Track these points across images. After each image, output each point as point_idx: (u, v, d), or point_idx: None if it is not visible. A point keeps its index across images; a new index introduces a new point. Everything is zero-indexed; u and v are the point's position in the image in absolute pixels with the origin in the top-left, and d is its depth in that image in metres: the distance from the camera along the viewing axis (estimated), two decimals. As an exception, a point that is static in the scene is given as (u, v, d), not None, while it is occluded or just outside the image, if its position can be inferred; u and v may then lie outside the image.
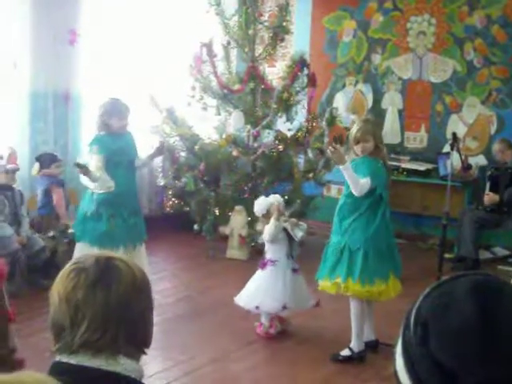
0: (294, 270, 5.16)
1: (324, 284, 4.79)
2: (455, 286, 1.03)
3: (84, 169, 5.20)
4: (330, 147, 4.62)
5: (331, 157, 4.84)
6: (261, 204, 5.29)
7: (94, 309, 1.52)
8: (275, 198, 5.26)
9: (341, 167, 4.56)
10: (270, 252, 5.20)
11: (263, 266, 5.17)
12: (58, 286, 1.57)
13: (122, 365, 1.53)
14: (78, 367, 1.50)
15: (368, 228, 4.62)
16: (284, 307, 5.06)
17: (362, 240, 4.61)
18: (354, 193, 4.59)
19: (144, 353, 1.66)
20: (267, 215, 5.21)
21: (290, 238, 5.15)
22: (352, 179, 4.56)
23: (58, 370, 1.51)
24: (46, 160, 6.37)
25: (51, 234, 6.17)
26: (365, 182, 4.54)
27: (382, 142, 4.74)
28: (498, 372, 0.94)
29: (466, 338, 0.96)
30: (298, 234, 5.11)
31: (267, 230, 5.11)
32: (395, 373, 1.05)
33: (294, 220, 5.27)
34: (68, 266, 1.60)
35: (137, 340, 1.61)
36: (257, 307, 5.08)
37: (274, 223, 5.07)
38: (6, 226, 5.80)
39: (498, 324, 0.96)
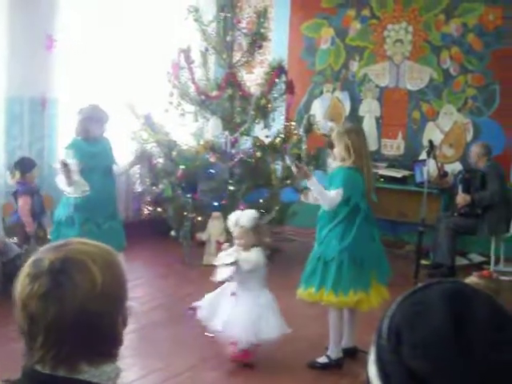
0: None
1: (300, 292, 4.79)
2: (428, 294, 1.03)
3: (67, 167, 5.21)
4: (293, 167, 4.65)
5: (296, 175, 4.81)
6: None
7: (48, 324, 1.40)
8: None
9: (308, 183, 4.59)
10: None
11: None
12: (17, 287, 1.46)
13: (87, 372, 1.44)
14: (48, 376, 1.43)
15: (344, 238, 4.60)
16: None
17: (337, 250, 4.59)
18: (324, 207, 4.60)
19: (114, 354, 1.53)
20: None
21: None
22: (320, 194, 4.57)
23: (29, 377, 1.46)
24: (26, 165, 6.27)
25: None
26: (334, 194, 4.54)
27: (358, 149, 4.62)
28: (472, 380, 0.94)
29: (439, 347, 0.96)
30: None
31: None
32: (368, 380, 1.05)
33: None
34: (26, 266, 1.48)
35: (102, 347, 1.48)
36: None
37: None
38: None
39: (470, 332, 0.96)
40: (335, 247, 4.61)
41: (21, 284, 1.45)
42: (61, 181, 5.43)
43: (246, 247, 4.68)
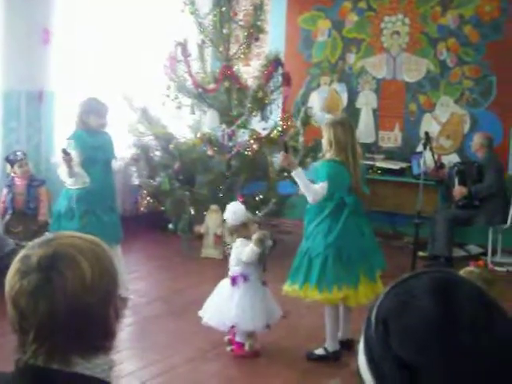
0: (264, 283, 4.87)
1: (285, 288, 4.76)
2: (415, 283, 1.05)
3: (69, 156, 5.22)
4: (280, 154, 4.62)
5: (281, 164, 4.76)
6: (237, 213, 4.79)
7: (39, 319, 1.40)
8: (247, 215, 4.81)
9: (292, 173, 4.55)
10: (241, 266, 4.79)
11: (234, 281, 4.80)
12: (7, 284, 1.45)
13: (79, 365, 1.44)
14: (41, 370, 1.42)
15: (330, 234, 4.56)
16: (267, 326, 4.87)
17: (322, 246, 4.56)
18: (309, 200, 4.57)
19: (107, 347, 1.52)
20: (243, 228, 4.79)
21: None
22: (304, 186, 4.52)
23: (22, 371, 1.45)
24: (10, 161, 6.43)
25: None
26: (319, 188, 4.50)
27: (341, 142, 4.56)
28: (459, 366, 0.96)
29: (426, 335, 0.97)
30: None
31: (247, 255, 4.63)
32: (358, 370, 1.07)
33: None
34: (15, 263, 1.47)
35: (95, 340, 1.48)
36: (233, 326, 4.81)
37: (255, 250, 4.60)
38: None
39: (457, 320, 0.98)
40: (321, 243, 4.57)
41: (10, 281, 1.44)
42: (62, 171, 5.46)
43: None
